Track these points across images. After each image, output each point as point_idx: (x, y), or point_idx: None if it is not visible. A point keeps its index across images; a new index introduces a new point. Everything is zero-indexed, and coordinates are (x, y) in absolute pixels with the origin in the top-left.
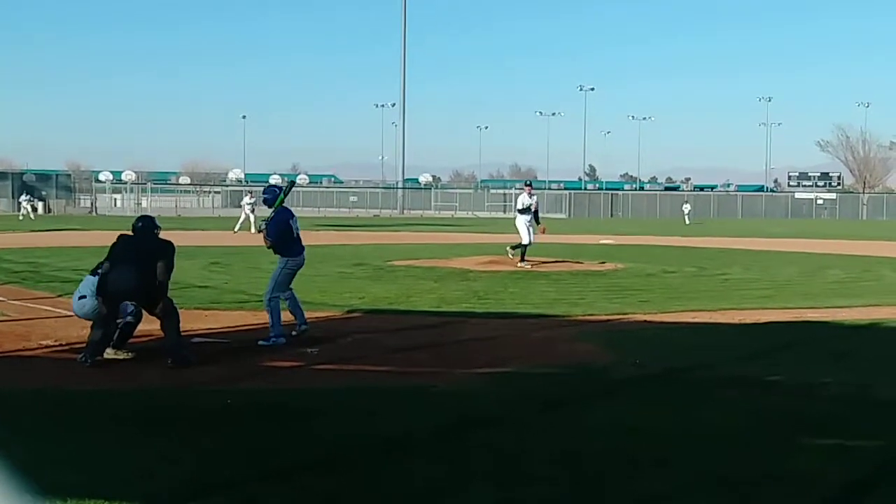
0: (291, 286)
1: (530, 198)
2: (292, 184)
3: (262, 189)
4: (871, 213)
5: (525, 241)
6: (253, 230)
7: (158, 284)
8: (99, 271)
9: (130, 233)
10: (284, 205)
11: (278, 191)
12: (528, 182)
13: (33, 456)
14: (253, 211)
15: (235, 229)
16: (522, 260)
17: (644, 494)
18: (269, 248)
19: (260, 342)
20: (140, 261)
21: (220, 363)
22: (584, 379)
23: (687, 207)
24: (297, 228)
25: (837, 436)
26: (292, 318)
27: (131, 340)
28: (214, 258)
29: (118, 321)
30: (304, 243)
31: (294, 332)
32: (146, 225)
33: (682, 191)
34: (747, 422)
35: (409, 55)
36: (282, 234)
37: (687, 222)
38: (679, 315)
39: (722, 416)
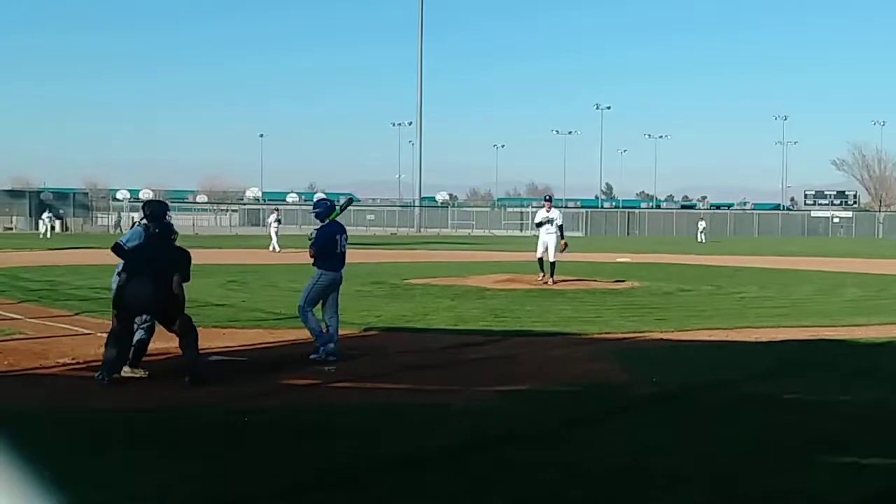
0: (339, 312)
1: (548, 212)
2: (350, 201)
3: (313, 203)
4: (887, 232)
5: (538, 255)
6: (271, 248)
7: (174, 297)
8: (126, 244)
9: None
10: (338, 220)
11: (330, 203)
12: (546, 197)
13: (50, 474)
14: (280, 223)
15: (277, 249)
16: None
17: None
18: (311, 257)
19: (311, 356)
20: (156, 270)
21: (237, 381)
22: (601, 396)
23: (702, 224)
24: (344, 245)
25: (853, 453)
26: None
27: (148, 359)
28: (232, 276)
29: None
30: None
31: (312, 356)
32: (163, 232)
33: (699, 209)
34: (763, 439)
35: (426, 74)
36: (326, 246)
37: (702, 241)
38: (696, 333)
39: (737, 434)
